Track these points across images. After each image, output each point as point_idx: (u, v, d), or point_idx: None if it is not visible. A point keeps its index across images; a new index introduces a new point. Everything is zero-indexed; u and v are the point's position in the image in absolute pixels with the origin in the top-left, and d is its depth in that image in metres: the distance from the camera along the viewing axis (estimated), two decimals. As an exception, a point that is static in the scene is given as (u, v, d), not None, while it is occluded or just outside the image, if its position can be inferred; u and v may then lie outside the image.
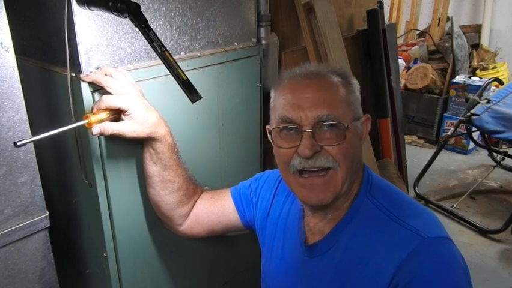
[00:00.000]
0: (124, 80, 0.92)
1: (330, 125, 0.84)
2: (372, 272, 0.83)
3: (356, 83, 0.93)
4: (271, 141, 0.92)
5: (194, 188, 1.11)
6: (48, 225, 0.93)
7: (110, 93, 0.90)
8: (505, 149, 3.17)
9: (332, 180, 0.86)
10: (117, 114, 0.91)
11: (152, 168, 1.00)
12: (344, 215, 0.91)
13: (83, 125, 0.88)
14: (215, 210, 1.13)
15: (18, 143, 0.78)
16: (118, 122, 0.91)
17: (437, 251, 0.80)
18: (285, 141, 0.88)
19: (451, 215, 2.84)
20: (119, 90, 0.90)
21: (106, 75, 0.91)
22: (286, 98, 0.87)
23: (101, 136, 0.95)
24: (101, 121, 0.88)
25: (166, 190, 1.03)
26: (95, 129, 0.87)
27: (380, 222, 0.87)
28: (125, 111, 0.90)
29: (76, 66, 0.91)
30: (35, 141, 0.87)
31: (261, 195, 1.12)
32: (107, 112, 0.90)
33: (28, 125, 0.85)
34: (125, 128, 0.91)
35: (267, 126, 0.96)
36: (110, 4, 0.80)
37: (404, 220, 0.84)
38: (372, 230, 0.87)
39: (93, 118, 0.87)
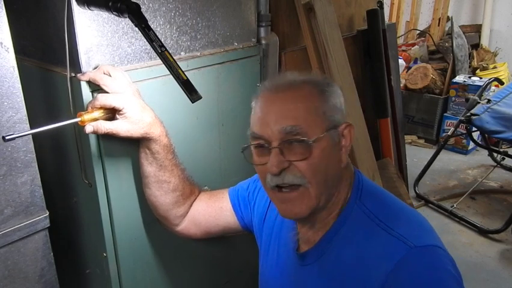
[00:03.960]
0: (122, 79, 0.92)
1: (295, 140, 0.82)
2: (362, 281, 0.82)
3: (333, 89, 0.89)
4: (244, 158, 0.92)
5: (191, 188, 1.11)
6: (48, 225, 0.93)
7: (106, 92, 0.90)
8: (505, 149, 3.17)
9: (304, 195, 0.85)
10: (112, 114, 0.91)
11: (148, 168, 1.00)
12: (333, 224, 0.90)
13: (78, 123, 0.88)
14: (212, 212, 1.13)
15: (7, 137, 0.78)
16: (112, 121, 0.91)
17: (424, 261, 0.78)
18: (258, 157, 0.88)
19: (451, 215, 2.84)
20: (115, 89, 0.90)
21: (104, 73, 0.91)
22: (256, 113, 0.87)
23: (100, 136, 0.95)
24: (95, 120, 0.88)
25: (161, 190, 1.03)
26: (89, 128, 0.87)
27: (369, 230, 0.85)
28: (120, 111, 0.90)
29: (76, 66, 0.91)
30: (34, 141, 0.87)
31: (258, 197, 1.11)
32: (102, 111, 0.89)
33: (28, 125, 0.85)
34: (119, 127, 0.91)
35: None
36: (110, 4, 0.80)
37: (393, 228, 0.83)
38: (361, 238, 0.86)
39: (86, 116, 0.87)
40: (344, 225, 0.89)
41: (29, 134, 0.84)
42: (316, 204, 0.86)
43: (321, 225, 0.91)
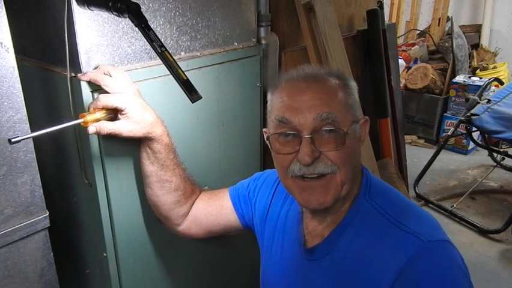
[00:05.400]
0: (122, 79, 0.92)
1: (329, 130, 0.83)
2: (372, 276, 0.82)
3: (353, 84, 0.91)
4: (269, 146, 0.91)
5: (192, 187, 1.11)
6: (48, 225, 0.93)
7: (107, 92, 0.90)
8: (505, 149, 3.17)
9: (331, 183, 0.85)
10: (114, 114, 0.91)
11: (149, 167, 1.00)
12: (343, 218, 0.90)
13: (79, 124, 0.88)
14: (213, 211, 1.13)
15: (13, 140, 0.78)
16: (115, 122, 0.91)
17: (437, 256, 0.79)
18: (284, 146, 0.87)
19: (451, 215, 2.84)
20: (116, 89, 0.90)
21: (104, 73, 0.91)
22: (283, 100, 0.86)
23: (101, 136, 0.95)
24: (97, 120, 0.88)
25: (163, 190, 1.03)
26: (91, 129, 0.87)
27: (379, 225, 0.86)
28: (122, 111, 0.90)
29: (76, 66, 0.91)
30: (34, 141, 0.87)
31: (259, 195, 1.11)
32: (104, 111, 0.89)
33: (28, 125, 0.85)
34: (122, 127, 0.91)
35: (264, 130, 0.95)
36: (110, 4, 0.80)
37: (404, 223, 0.83)
38: (371, 233, 0.86)
39: (89, 117, 0.87)
40: (354, 220, 0.89)
41: (34, 136, 0.83)
42: (340, 193, 0.86)
43: (332, 218, 0.92)
